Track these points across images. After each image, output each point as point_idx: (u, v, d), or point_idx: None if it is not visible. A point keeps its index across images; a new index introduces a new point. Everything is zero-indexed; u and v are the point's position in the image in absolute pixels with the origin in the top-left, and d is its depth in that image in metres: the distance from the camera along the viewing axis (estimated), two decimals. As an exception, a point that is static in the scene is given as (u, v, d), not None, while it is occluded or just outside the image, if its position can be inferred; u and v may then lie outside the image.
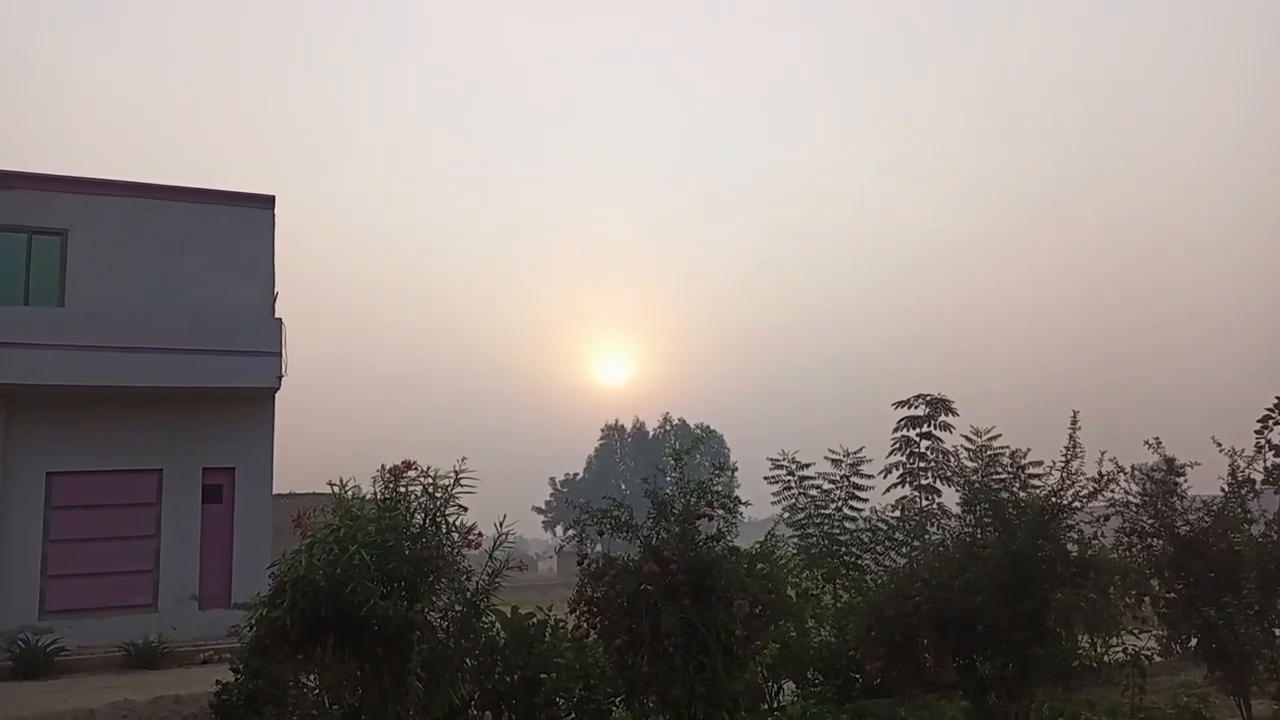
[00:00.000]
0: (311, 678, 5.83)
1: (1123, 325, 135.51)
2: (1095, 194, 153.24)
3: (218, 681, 6.23)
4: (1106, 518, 7.53)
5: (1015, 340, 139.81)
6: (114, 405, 16.78)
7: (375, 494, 5.79)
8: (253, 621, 5.30)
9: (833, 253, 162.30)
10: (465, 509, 5.88)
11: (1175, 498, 7.72)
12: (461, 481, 5.81)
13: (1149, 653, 7.08)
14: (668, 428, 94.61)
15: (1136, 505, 7.72)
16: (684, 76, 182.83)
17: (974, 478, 7.12)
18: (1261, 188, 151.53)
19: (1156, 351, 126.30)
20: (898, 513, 9.12)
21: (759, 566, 6.49)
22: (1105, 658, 6.70)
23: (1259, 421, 7.64)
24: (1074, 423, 6.78)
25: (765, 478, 9.39)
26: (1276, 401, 7.59)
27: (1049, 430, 7.07)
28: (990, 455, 7.20)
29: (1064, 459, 6.73)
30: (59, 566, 16.16)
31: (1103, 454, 6.82)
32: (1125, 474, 7.44)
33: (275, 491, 18.40)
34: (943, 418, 12.09)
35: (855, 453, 9.36)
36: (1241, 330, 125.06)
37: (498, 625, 6.36)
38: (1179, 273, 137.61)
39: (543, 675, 6.35)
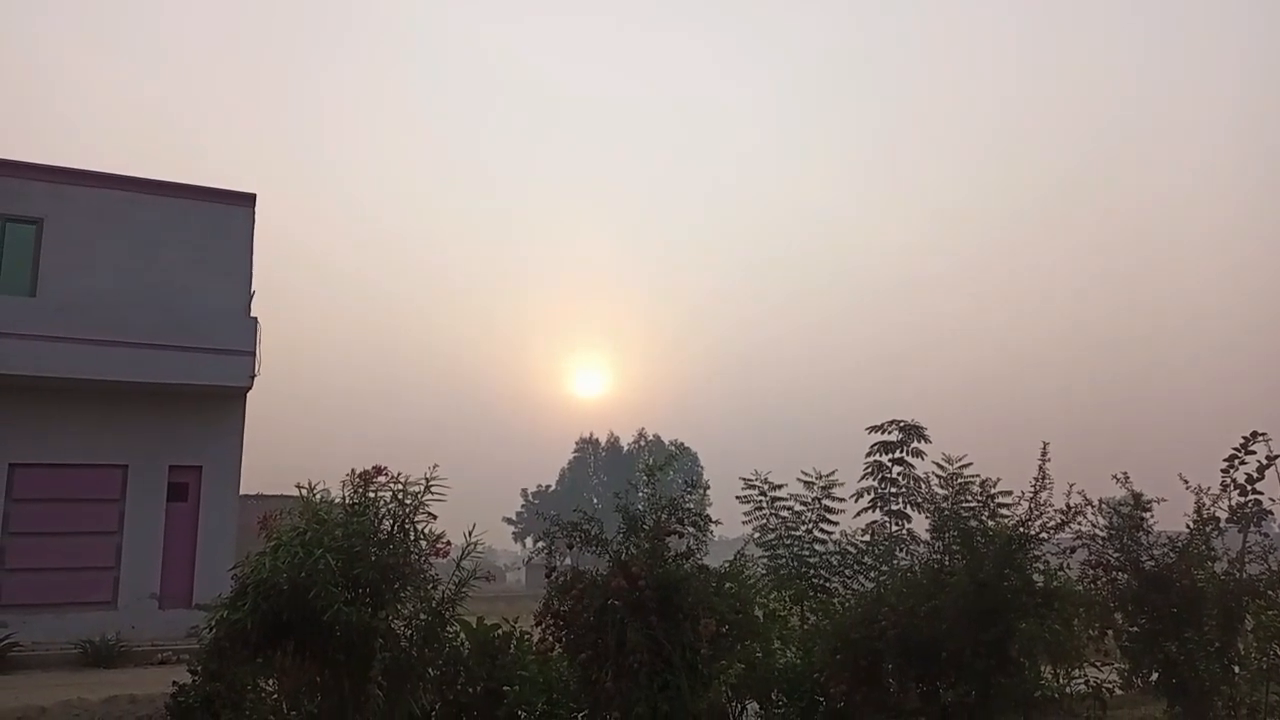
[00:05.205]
0: (270, 682, 5.76)
1: (1101, 351, 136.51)
2: (1079, 211, 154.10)
3: (174, 683, 6.14)
4: (1073, 550, 7.58)
5: (994, 363, 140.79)
6: (82, 398, 16.56)
7: (344, 498, 5.74)
8: (213, 623, 5.24)
9: (811, 273, 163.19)
10: (435, 517, 5.85)
11: (1141, 532, 7.79)
12: (432, 489, 5.78)
13: (1110, 685, 7.13)
14: (642, 443, 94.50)
15: (1103, 538, 7.78)
16: (674, 93, 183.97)
17: (944, 505, 7.18)
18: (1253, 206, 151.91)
19: (1134, 379, 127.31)
20: (867, 537, 9.13)
21: (727, 586, 6.48)
22: (1067, 689, 6.75)
23: (1225, 460, 7.72)
24: (1044, 454, 6.87)
25: (737, 497, 9.38)
26: (1243, 440, 7.68)
27: (1021, 458, 7.15)
28: (960, 483, 7.27)
29: (1033, 490, 6.80)
30: (17, 560, 15.89)
31: (1071, 486, 6.91)
32: (1093, 507, 7.52)
33: (243, 492, 18.22)
34: (915, 444, 12.13)
35: (828, 475, 9.37)
36: (1223, 363, 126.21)
37: (462, 635, 6.31)
38: (1162, 296, 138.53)
39: (506, 688, 6.29)
